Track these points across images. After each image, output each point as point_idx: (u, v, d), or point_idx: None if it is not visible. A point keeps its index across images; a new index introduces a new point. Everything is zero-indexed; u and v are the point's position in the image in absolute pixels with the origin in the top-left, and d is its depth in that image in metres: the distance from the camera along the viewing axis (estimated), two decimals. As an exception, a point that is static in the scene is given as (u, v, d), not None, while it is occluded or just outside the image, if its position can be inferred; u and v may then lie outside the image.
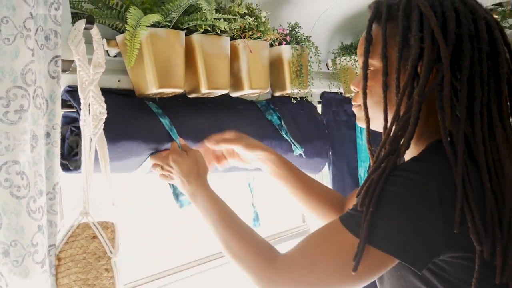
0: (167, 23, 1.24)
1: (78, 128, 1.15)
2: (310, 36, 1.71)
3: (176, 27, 1.27)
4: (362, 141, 2.04)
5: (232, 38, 1.44)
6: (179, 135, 1.30)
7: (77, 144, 1.17)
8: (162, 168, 1.23)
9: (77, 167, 1.16)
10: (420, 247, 0.80)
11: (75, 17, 1.11)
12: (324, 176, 2.02)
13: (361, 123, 0.97)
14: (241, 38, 1.45)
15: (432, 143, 0.90)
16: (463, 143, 0.81)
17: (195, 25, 1.29)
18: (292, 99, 1.69)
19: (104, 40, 1.20)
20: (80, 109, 1.09)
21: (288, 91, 1.67)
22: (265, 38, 1.51)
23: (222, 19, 1.28)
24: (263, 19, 1.49)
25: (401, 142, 0.84)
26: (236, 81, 1.49)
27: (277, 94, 1.73)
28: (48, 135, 1.00)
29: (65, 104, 1.14)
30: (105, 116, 1.11)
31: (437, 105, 0.83)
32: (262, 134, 1.60)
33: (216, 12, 1.26)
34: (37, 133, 0.94)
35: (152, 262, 1.62)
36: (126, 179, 1.43)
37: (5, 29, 0.86)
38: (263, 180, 1.34)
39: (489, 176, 0.82)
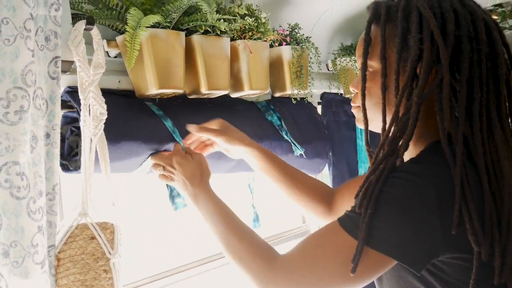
0: (167, 24, 1.24)
1: (78, 128, 1.15)
2: (310, 37, 1.71)
3: (176, 28, 1.27)
4: (362, 141, 2.04)
5: (232, 39, 1.44)
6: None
7: (77, 144, 1.17)
8: (163, 168, 1.23)
9: (77, 168, 1.16)
10: (419, 248, 0.80)
11: (75, 18, 1.11)
12: (324, 177, 2.02)
13: (360, 124, 0.97)
14: (241, 39, 1.45)
15: (431, 144, 0.90)
16: (462, 144, 0.81)
17: (195, 26, 1.30)
18: (292, 99, 1.70)
19: (104, 41, 1.20)
20: (80, 109, 1.09)
21: (288, 91, 1.67)
22: (265, 39, 1.51)
23: (222, 20, 1.29)
24: (263, 20, 1.49)
25: (400, 143, 0.84)
26: (236, 82, 1.49)
27: (277, 94, 1.73)
28: (47, 135, 1.00)
29: (65, 104, 1.14)
30: (105, 116, 1.11)
31: (436, 106, 0.83)
32: (262, 134, 1.60)
33: (216, 13, 1.26)
34: (37, 134, 0.94)
35: (152, 262, 1.62)
36: (126, 180, 1.43)
37: (5, 30, 0.86)
38: (263, 181, 1.34)
39: (487, 177, 0.82)
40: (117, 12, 1.22)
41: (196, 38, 1.31)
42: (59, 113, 1.02)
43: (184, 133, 1.32)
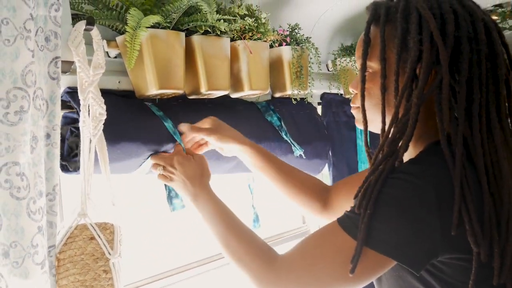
0: (167, 24, 1.24)
1: (78, 129, 1.15)
2: (310, 37, 1.71)
3: (176, 28, 1.27)
4: (362, 142, 2.03)
5: (232, 39, 1.44)
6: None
7: (77, 145, 1.17)
8: (164, 168, 1.23)
9: (76, 168, 1.16)
10: (418, 249, 0.80)
11: (75, 18, 1.11)
12: (325, 177, 2.01)
13: (359, 125, 0.97)
14: (241, 39, 1.45)
15: (430, 145, 0.90)
16: (461, 145, 0.81)
17: (195, 26, 1.30)
18: (293, 100, 1.70)
19: (104, 41, 1.20)
20: (79, 110, 1.09)
21: (288, 92, 1.67)
22: (265, 39, 1.51)
23: (222, 20, 1.29)
24: (263, 20, 1.49)
25: (400, 144, 0.84)
26: (236, 82, 1.49)
27: (277, 95, 1.73)
28: (48, 136, 1.00)
29: (65, 105, 1.14)
30: (105, 117, 1.11)
31: (435, 107, 0.83)
32: (261, 135, 1.60)
33: (216, 13, 1.26)
34: (37, 134, 0.94)
35: (152, 263, 1.62)
36: (126, 180, 1.43)
37: (5, 30, 0.86)
38: (262, 181, 1.34)
39: (487, 178, 0.82)
40: (117, 13, 1.22)
41: (196, 38, 1.31)
42: (59, 113, 1.02)
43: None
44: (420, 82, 0.83)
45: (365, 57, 0.91)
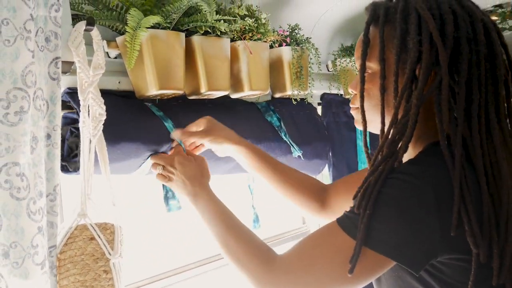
0: (167, 25, 1.24)
1: (78, 129, 1.15)
2: (310, 38, 1.72)
3: (176, 28, 1.27)
4: (362, 142, 2.03)
5: (232, 40, 1.44)
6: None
7: (77, 145, 1.17)
8: (163, 168, 1.23)
9: (76, 169, 1.16)
10: (417, 249, 0.80)
11: (75, 19, 1.11)
12: (325, 178, 2.02)
13: (359, 126, 0.97)
14: (241, 39, 1.45)
15: (429, 145, 0.90)
16: (461, 146, 0.81)
17: (195, 27, 1.30)
18: (293, 100, 1.70)
19: (104, 41, 1.20)
20: (79, 110, 1.09)
21: (288, 92, 1.67)
22: (265, 40, 1.51)
23: (222, 21, 1.29)
24: (263, 21, 1.49)
25: (399, 145, 0.84)
26: (236, 83, 1.49)
27: (277, 95, 1.73)
28: (48, 136, 1.00)
29: (64, 105, 1.14)
30: (104, 117, 1.11)
31: (435, 108, 0.83)
32: (261, 135, 1.60)
33: (216, 14, 1.26)
34: (37, 135, 0.94)
35: (152, 264, 1.62)
36: (126, 181, 1.43)
37: (6, 30, 0.86)
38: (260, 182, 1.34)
39: (486, 179, 0.82)
40: (117, 13, 1.22)
41: (196, 38, 1.32)
42: (60, 114, 1.02)
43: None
44: (419, 83, 0.83)
45: (364, 57, 0.91)
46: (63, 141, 1.16)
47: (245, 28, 1.44)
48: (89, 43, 1.10)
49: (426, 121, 0.89)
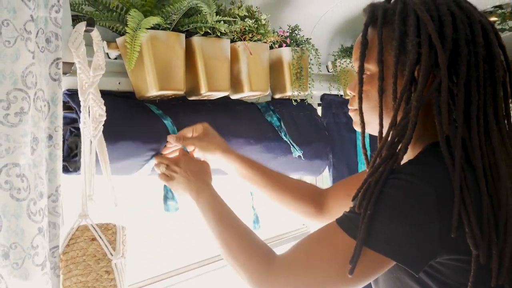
0: (168, 26, 1.24)
1: (77, 129, 1.15)
2: (310, 38, 1.72)
3: (176, 29, 1.28)
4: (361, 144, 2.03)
5: (232, 41, 1.44)
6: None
7: (77, 145, 1.17)
8: (167, 167, 1.22)
9: (76, 169, 1.16)
10: (418, 249, 0.80)
11: (75, 20, 1.11)
12: (325, 178, 2.02)
13: (357, 127, 0.97)
14: (241, 40, 1.45)
15: (428, 146, 0.90)
16: (460, 148, 0.81)
17: (195, 28, 1.30)
18: (293, 101, 1.70)
19: (105, 42, 1.20)
20: (79, 111, 1.09)
21: (288, 93, 1.67)
22: (265, 41, 1.52)
23: (222, 22, 1.29)
24: (263, 22, 1.49)
25: (399, 147, 0.84)
26: (236, 83, 1.49)
27: (277, 96, 1.73)
28: (50, 137, 1.00)
29: (64, 105, 1.14)
30: (104, 118, 1.11)
31: (434, 109, 0.83)
32: (261, 135, 1.60)
33: (216, 15, 1.26)
34: (38, 136, 0.94)
35: (152, 264, 1.62)
36: (127, 181, 1.43)
37: (6, 31, 0.86)
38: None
39: (485, 180, 0.82)
40: (117, 14, 1.22)
41: (196, 39, 1.32)
42: (61, 114, 1.02)
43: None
44: (419, 85, 0.82)
45: (362, 59, 0.91)
46: (63, 141, 1.16)
47: (245, 29, 1.44)
48: (89, 44, 1.10)
49: (425, 122, 0.89)
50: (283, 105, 1.74)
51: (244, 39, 1.45)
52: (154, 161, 1.27)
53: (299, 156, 1.71)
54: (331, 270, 0.84)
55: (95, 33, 1.10)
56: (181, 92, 1.30)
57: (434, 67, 0.83)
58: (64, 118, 1.18)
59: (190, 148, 1.27)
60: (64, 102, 1.14)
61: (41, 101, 0.95)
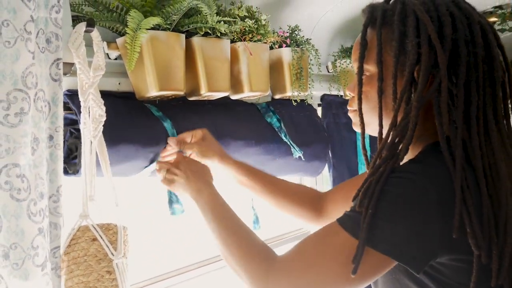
0: (168, 26, 1.24)
1: (77, 130, 1.15)
2: (310, 39, 1.72)
3: (176, 30, 1.28)
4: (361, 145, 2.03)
5: (232, 41, 1.44)
6: (178, 135, 1.30)
7: (76, 146, 1.17)
8: (168, 171, 1.21)
9: (75, 171, 1.16)
10: (418, 249, 0.79)
11: (75, 20, 1.11)
12: (325, 179, 2.02)
13: (356, 128, 0.97)
14: (241, 40, 1.45)
15: (427, 146, 0.90)
16: (461, 148, 0.81)
17: (196, 28, 1.30)
18: (293, 101, 1.70)
19: (105, 42, 1.20)
20: (78, 112, 1.09)
21: (288, 93, 1.67)
22: (265, 41, 1.52)
23: (222, 22, 1.29)
24: (263, 22, 1.49)
25: (400, 147, 0.84)
26: (236, 84, 1.49)
27: (277, 96, 1.73)
28: (51, 137, 1.00)
29: (64, 106, 1.14)
30: (104, 118, 1.11)
31: (434, 110, 0.83)
32: (260, 137, 1.60)
33: (216, 15, 1.26)
34: (39, 136, 0.94)
35: (152, 264, 1.62)
36: (128, 181, 1.43)
37: (6, 32, 0.86)
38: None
39: (485, 180, 0.82)
40: (117, 14, 1.22)
41: (196, 40, 1.32)
42: (62, 115, 1.02)
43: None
44: (419, 86, 0.82)
45: (362, 60, 0.91)
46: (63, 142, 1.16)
47: (245, 29, 1.44)
48: (89, 44, 1.11)
49: (424, 122, 0.89)
50: (283, 105, 1.74)
51: (244, 40, 1.45)
52: (154, 166, 1.27)
53: (299, 157, 1.71)
54: (332, 270, 0.83)
55: (95, 34, 1.10)
56: (181, 93, 1.30)
57: (433, 67, 0.83)
58: (64, 119, 1.18)
59: (188, 153, 1.27)
60: (64, 103, 1.14)
61: (42, 102, 0.95)
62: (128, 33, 1.14)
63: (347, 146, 2.04)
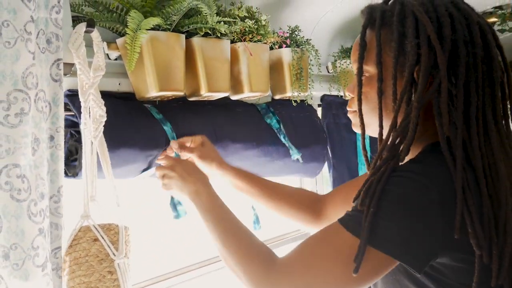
0: (168, 26, 1.24)
1: (78, 132, 1.15)
2: (310, 39, 1.72)
3: (176, 30, 1.28)
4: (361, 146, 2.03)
5: (232, 41, 1.44)
6: (177, 139, 1.30)
7: (77, 149, 1.17)
8: (164, 176, 1.20)
9: (75, 174, 1.16)
10: (420, 248, 0.79)
11: (75, 21, 1.11)
12: (325, 179, 2.02)
13: (356, 129, 0.97)
14: (241, 41, 1.45)
15: (427, 146, 0.90)
16: (461, 149, 0.81)
17: (196, 28, 1.30)
18: (293, 102, 1.70)
19: (105, 43, 1.20)
20: (78, 113, 1.09)
21: (288, 94, 1.67)
22: (265, 41, 1.52)
23: (222, 22, 1.29)
24: (263, 22, 1.49)
25: (401, 148, 0.84)
26: (236, 84, 1.49)
27: (277, 97, 1.73)
28: (51, 138, 1.00)
29: (64, 106, 1.14)
30: (105, 119, 1.11)
31: (434, 110, 0.83)
32: (259, 139, 1.60)
33: (216, 15, 1.27)
34: (39, 136, 0.94)
35: (153, 264, 1.62)
36: (129, 182, 1.43)
37: (6, 32, 0.87)
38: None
39: (485, 180, 0.82)
40: (117, 15, 1.22)
41: (196, 40, 1.32)
42: (63, 115, 1.02)
43: (182, 136, 1.31)
44: (419, 86, 0.83)
45: (361, 61, 0.91)
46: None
47: (245, 29, 1.44)
48: (89, 44, 1.11)
49: (424, 123, 0.89)
50: (283, 106, 1.74)
51: (244, 40, 1.45)
52: (153, 170, 1.27)
53: (297, 159, 1.71)
54: (334, 270, 0.83)
55: (95, 34, 1.10)
56: (181, 93, 1.30)
57: (433, 68, 0.83)
58: (65, 120, 1.19)
59: (186, 156, 1.27)
60: (64, 104, 1.14)
61: (42, 102, 0.95)
62: (128, 34, 1.14)
63: (347, 146, 2.04)
